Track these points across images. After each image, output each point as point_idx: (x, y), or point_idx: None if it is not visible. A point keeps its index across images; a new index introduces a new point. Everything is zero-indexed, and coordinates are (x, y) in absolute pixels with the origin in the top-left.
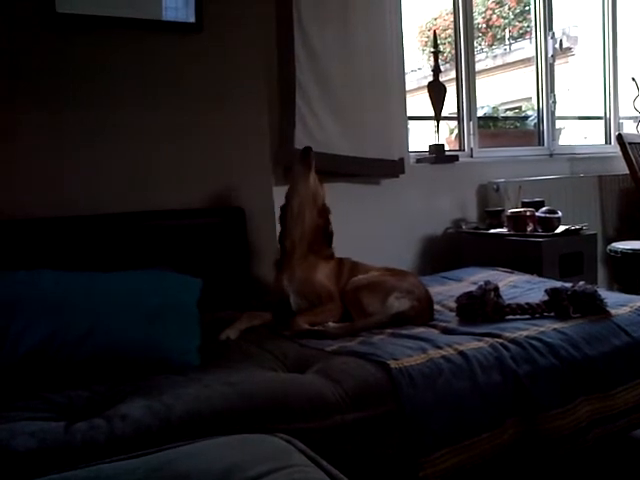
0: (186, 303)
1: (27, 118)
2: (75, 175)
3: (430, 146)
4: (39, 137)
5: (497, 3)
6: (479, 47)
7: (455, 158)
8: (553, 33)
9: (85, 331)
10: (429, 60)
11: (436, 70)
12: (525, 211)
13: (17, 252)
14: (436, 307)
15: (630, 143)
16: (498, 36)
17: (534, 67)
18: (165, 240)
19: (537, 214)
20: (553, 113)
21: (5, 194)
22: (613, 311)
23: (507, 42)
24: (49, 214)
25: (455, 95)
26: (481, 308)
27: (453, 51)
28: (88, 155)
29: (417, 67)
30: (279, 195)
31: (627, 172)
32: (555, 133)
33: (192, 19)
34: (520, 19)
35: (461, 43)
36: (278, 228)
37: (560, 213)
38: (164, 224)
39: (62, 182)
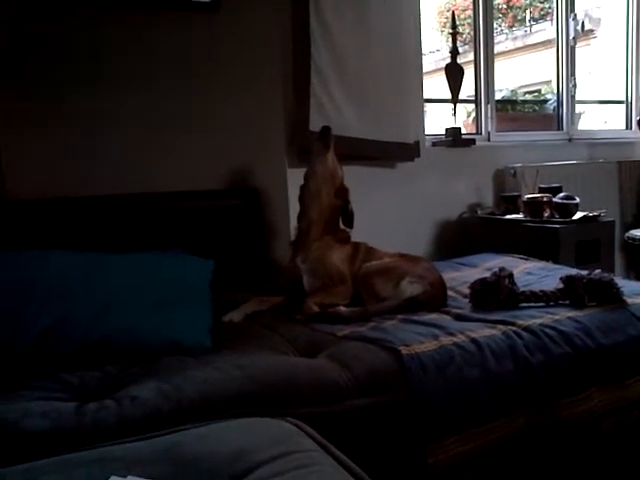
0: (198, 285)
1: (40, 101)
2: (90, 156)
3: (447, 129)
4: (52, 120)
5: None
6: (499, 28)
7: (472, 142)
8: (575, 14)
9: (97, 312)
10: (447, 41)
11: (454, 52)
12: (542, 197)
13: (30, 233)
14: (449, 293)
15: None
16: (519, 17)
17: (555, 49)
18: (180, 222)
19: (554, 200)
20: (573, 97)
21: (18, 175)
22: (629, 300)
23: (528, 23)
24: (62, 194)
25: (473, 77)
26: (495, 295)
27: (472, 32)
28: (104, 136)
29: (435, 48)
30: (294, 177)
31: None
32: (574, 117)
33: None
34: (541, 0)
35: (480, 24)
36: (297, 208)
37: (578, 199)
38: (179, 206)
39: (77, 163)
